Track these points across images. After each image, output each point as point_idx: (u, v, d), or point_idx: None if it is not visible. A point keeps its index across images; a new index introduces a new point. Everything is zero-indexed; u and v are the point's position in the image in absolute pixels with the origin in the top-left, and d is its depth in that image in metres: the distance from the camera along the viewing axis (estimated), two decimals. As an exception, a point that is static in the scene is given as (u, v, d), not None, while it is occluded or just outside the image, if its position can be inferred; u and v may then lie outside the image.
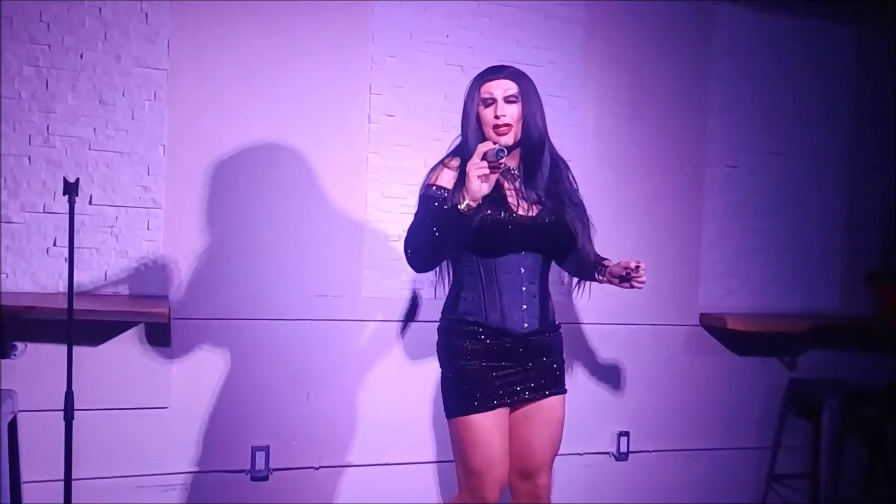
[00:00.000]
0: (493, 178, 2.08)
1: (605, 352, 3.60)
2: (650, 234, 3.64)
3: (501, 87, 2.20)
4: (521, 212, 2.24)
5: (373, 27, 3.22)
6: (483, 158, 2.04)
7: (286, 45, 3.10)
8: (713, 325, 3.70)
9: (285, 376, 3.13)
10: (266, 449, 3.10)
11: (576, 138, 3.51)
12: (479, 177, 2.04)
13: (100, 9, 2.88)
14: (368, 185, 3.23)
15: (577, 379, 3.55)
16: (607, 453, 3.63)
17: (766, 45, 3.83)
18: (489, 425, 2.21)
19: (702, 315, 3.72)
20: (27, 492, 2.76)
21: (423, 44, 3.28)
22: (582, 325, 3.56)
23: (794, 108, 3.88)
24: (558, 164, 2.33)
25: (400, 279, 3.27)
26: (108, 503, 2.90)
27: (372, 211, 3.23)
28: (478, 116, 2.22)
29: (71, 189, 2.43)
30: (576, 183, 2.38)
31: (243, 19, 3.04)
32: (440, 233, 2.11)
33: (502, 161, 2.05)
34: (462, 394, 2.23)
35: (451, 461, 3.24)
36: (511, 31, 3.39)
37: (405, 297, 3.30)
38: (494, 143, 2.09)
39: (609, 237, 3.56)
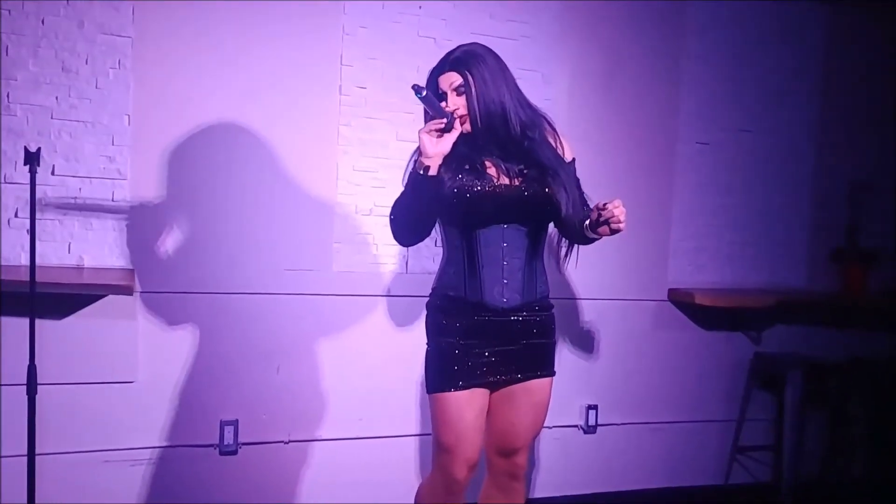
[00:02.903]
0: (448, 138, 2.04)
1: (575, 326, 3.63)
2: (621, 209, 3.66)
3: (448, 81, 2.15)
4: (501, 183, 2.17)
5: (343, -2, 3.16)
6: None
7: (255, 14, 3.04)
8: (681, 301, 3.74)
9: (255, 350, 3.10)
10: (235, 423, 3.09)
11: (549, 112, 3.45)
12: (426, 133, 2.03)
13: (62, -28, 2.80)
14: (339, 158, 3.20)
15: (547, 353, 3.57)
16: (576, 426, 3.67)
17: (738, 23, 3.84)
18: (462, 404, 2.18)
19: (670, 290, 3.76)
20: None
21: (395, 15, 3.24)
22: (552, 300, 3.56)
23: (765, 85, 3.91)
24: (535, 131, 2.21)
25: (371, 253, 3.25)
26: (74, 478, 2.87)
27: (343, 184, 3.20)
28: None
29: (32, 159, 2.36)
30: (562, 144, 2.26)
31: (211, -14, 2.97)
32: (412, 201, 2.11)
33: (450, 120, 2.03)
34: (440, 371, 2.20)
35: (422, 435, 3.29)
36: (485, 4, 3.35)
37: (376, 271, 3.28)
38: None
39: (580, 213, 3.60)
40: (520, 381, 2.24)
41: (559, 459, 3.62)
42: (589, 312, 3.64)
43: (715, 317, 3.82)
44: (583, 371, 3.65)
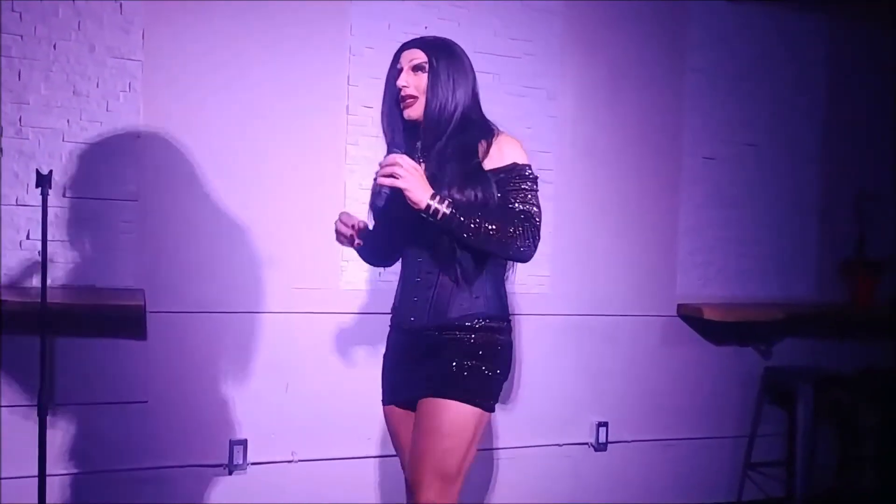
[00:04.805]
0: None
1: (584, 343, 3.62)
2: (627, 225, 3.67)
3: (410, 56, 2.03)
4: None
5: (351, 18, 3.20)
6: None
7: (263, 36, 3.08)
8: (690, 315, 3.73)
9: (264, 369, 3.11)
10: (244, 443, 3.09)
11: (553, 129, 3.52)
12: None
13: (73, -2, 2.84)
14: (347, 177, 3.22)
15: (556, 370, 3.57)
16: (586, 444, 3.65)
17: (741, 37, 3.86)
18: (392, 420, 2.18)
19: (679, 305, 3.75)
20: (5, 488, 2.72)
21: (400, 34, 3.24)
22: (560, 316, 3.57)
23: (769, 99, 3.93)
24: (476, 142, 2.00)
25: (378, 271, 3.26)
26: (84, 498, 2.87)
27: (350, 202, 3.21)
28: (395, 87, 2.06)
29: (44, 181, 2.39)
30: (492, 148, 2.00)
31: (219, 9, 3.01)
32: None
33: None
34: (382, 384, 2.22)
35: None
36: (489, 22, 3.39)
37: (384, 289, 3.28)
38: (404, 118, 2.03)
39: (586, 229, 3.61)
40: (420, 401, 2.03)
41: (570, 478, 3.60)
42: (598, 329, 3.64)
43: (724, 331, 3.81)
44: (593, 388, 3.64)
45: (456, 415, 1.97)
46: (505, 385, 3.54)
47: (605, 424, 3.65)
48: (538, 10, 3.48)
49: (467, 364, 2.01)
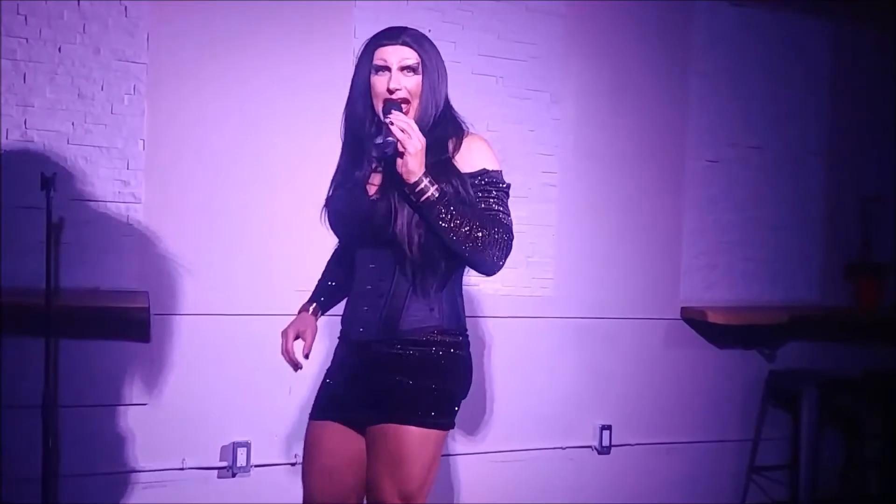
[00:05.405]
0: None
1: (587, 345, 3.62)
2: (631, 228, 3.67)
3: (398, 55, 1.86)
4: (372, 197, 1.89)
5: (355, 21, 3.21)
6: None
7: (267, 39, 3.08)
8: (694, 319, 3.73)
9: (267, 372, 3.10)
10: (247, 445, 3.09)
11: (557, 132, 3.53)
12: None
13: (78, 1, 2.85)
14: (350, 180, 3.22)
15: (559, 373, 3.56)
16: (590, 447, 3.64)
17: (745, 39, 3.87)
18: (316, 436, 1.98)
19: (682, 308, 3.75)
20: (8, 488, 2.73)
21: (404, 38, 3.28)
22: (563, 319, 3.57)
23: (773, 101, 3.92)
24: (447, 137, 1.90)
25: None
26: (87, 501, 2.87)
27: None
28: (369, 84, 1.90)
29: (49, 183, 2.41)
30: (461, 149, 1.90)
31: (224, 12, 3.02)
32: None
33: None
34: (315, 398, 2.06)
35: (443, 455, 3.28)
36: (492, 25, 3.39)
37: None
38: (384, 118, 1.82)
39: (590, 231, 3.61)
40: (375, 424, 1.89)
41: (573, 481, 3.60)
42: (601, 332, 3.63)
43: (728, 334, 3.80)
44: (596, 391, 3.63)
45: (418, 441, 1.85)
46: (507, 388, 3.57)
47: (609, 427, 3.65)
48: (541, 12, 3.48)
49: (424, 384, 1.87)
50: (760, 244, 3.92)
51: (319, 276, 2.24)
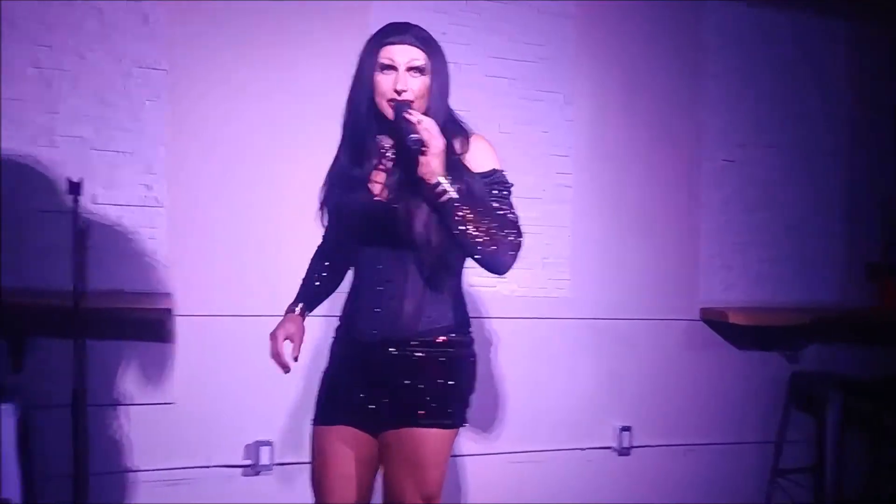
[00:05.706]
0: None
1: (606, 347, 3.61)
2: (648, 229, 3.66)
3: (406, 56, 1.85)
4: (379, 198, 1.90)
5: (371, 26, 3.23)
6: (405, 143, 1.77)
7: (285, 44, 3.13)
8: (714, 320, 3.71)
9: (290, 372, 3.14)
10: (270, 444, 3.12)
11: (570, 133, 3.53)
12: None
13: (100, 10, 2.91)
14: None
15: (577, 374, 3.56)
16: (609, 448, 3.64)
17: (759, 38, 3.85)
18: (329, 442, 1.97)
19: (702, 309, 3.73)
20: (40, 487, 2.77)
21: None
22: (583, 320, 3.57)
23: (789, 100, 3.90)
24: (451, 137, 1.86)
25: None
26: (111, 498, 2.93)
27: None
28: (373, 81, 1.88)
29: (75, 189, 2.46)
30: (469, 149, 1.90)
31: (242, 18, 3.07)
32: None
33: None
34: (317, 402, 2.05)
35: (458, 456, 3.29)
36: (504, 27, 3.41)
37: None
38: (403, 116, 1.80)
39: (606, 232, 3.61)
40: (393, 428, 1.90)
41: (593, 482, 3.59)
42: (619, 332, 3.63)
43: (749, 336, 3.78)
44: (616, 392, 3.63)
45: (437, 443, 1.89)
46: (524, 389, 3.55)
47: (629, 429, 3.64)
48: (553, 14, 3.49)
49: (439, 385, 1.89)
50: (780, 244, 3.89)
51: (304, 275, 2.22)
